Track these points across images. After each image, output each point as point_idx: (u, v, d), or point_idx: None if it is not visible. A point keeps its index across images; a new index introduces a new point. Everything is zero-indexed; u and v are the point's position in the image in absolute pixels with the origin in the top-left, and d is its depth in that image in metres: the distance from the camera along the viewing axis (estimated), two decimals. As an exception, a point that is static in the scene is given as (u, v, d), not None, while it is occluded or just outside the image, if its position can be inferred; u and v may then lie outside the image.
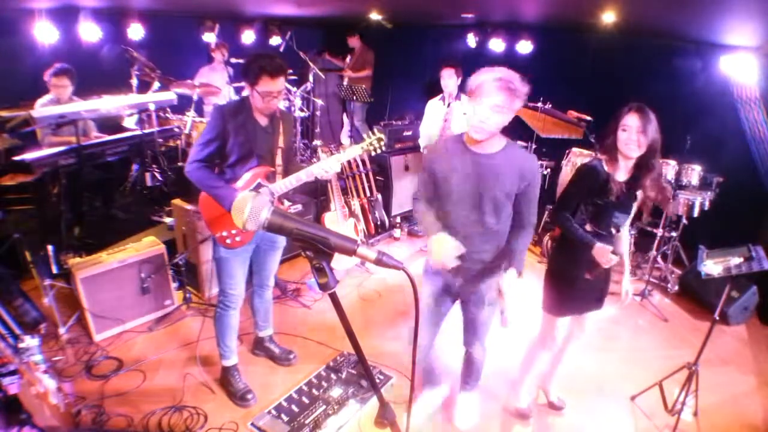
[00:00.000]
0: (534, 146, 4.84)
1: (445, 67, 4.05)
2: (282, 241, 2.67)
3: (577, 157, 4.45)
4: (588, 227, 2.17)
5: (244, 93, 2.45)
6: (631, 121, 2.00)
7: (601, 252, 2.06)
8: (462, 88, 4.11)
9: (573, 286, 2.25)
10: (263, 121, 2.36)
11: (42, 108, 3.64)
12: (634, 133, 1.99)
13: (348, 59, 6.53)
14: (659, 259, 4.15)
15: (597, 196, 2.11)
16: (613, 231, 2.19)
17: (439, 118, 4.20)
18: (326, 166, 2.35)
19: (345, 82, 6.19)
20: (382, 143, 2.51)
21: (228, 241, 2.39)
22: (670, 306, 3.91)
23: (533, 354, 2.54)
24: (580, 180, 2.17)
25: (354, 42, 6.33)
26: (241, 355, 2.90)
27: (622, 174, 2.11)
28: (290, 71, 5.34)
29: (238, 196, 2.21)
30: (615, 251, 2.07)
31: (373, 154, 2.56)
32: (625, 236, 2.35)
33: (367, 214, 4.61)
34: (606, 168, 2.11)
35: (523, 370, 2.59)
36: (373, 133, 2.49)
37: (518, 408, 2.63)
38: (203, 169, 2.30)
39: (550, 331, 2.39)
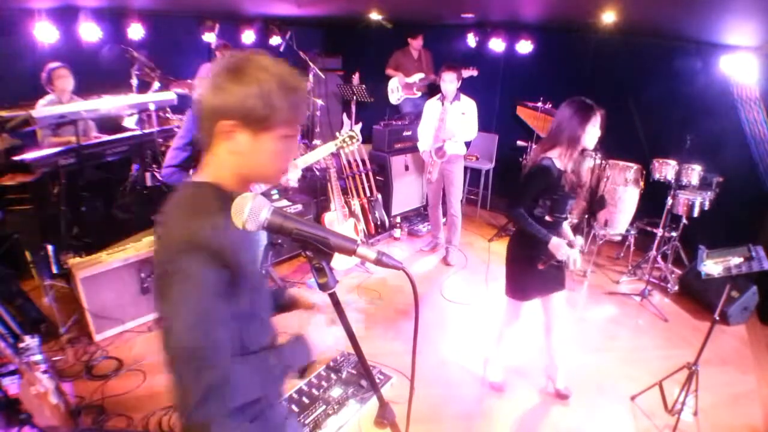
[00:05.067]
0: (534, 146, 4.83)
1: (446, 70, 3.94)
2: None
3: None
4: (548, 218, 2.36)
5: None
6: (599, 118, 2.26)
7: (557, 246, 2.29)
8: (461, 89, 4.10)
9: (531, 273, 2.45)
10: None
11: (42, 108, 3.64)
12: (598, 129, 2.28)
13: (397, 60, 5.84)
14: (659, 259, 4.14)
15: (553, 191, 2.31)
16: (568, 216, 2.43)
17: (435, 118, 4.15)
18: (299, 164, 2.42)
19: (341, 81, 6.09)
20: (355, 140, 2.51)
21: None
22: (670, 306, 3.91)
23: (501, 332, 2.79)
24: (535, 179, 2.34)
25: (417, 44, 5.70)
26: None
27: (570, 165, 2.33)
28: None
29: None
30: (570, 244, 2.30)
31: (347, 151, 2.56)
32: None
33: (367, 214, 4.61)
34: (558, 164, 2.30)
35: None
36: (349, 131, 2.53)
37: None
38: (180, 172, 2.31)
39: (514, 314, 2.66)
